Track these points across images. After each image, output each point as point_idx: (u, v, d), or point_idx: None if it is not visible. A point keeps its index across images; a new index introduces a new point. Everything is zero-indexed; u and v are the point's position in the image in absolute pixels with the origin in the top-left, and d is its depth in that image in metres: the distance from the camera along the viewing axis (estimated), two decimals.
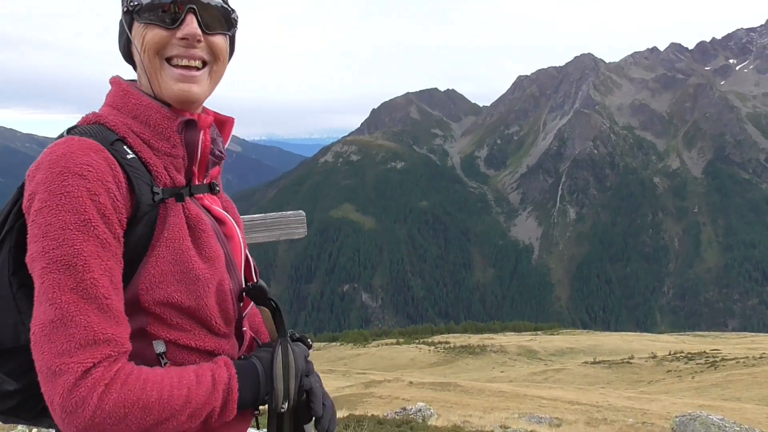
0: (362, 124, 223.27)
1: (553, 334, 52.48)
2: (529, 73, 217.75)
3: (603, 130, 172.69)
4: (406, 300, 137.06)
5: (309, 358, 1.13)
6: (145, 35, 1.09)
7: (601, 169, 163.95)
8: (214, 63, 1.15)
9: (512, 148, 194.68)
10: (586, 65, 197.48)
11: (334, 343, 52.46)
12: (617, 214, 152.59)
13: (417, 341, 47.85)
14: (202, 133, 1.12)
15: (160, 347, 0.99)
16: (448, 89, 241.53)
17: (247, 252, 1.21)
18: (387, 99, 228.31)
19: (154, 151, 1.04)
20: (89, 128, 1.01)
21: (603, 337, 46.34)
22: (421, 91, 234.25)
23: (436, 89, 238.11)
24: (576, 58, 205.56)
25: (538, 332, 57.04)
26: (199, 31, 1.10)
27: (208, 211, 1.13)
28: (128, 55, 1.18)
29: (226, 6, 1.19)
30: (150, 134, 1.05)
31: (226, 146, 1.23)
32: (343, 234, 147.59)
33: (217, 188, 1.20)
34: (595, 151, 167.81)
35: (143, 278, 0.96)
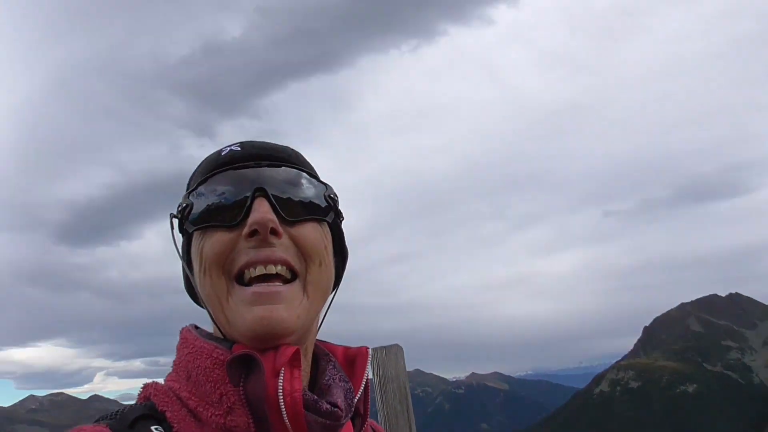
0: (636, 344, 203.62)
1: None
2: None
3: None
4: None
5: None
6: (203, 247, 0.80)
7: None
8: (308, 269, 0.80)
9: None
10: None
11: None
12: None
13: None
14: (281, 378, 0.74)
15: None
16: (730, 293, 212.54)
17: None
18: (658, 313, 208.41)
19: (203, 423, 0.72)
20: (127, 408, 0.75)
21: None
22: (698, 299, 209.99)
23: (715, 295, 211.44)
24: None
25: None
26: (271, 215, 0.79)
27: None
28: (196, 293, 0.85)
29: (314, 180, 0.83)
30: (198, 397, 0.73)
31: (358, 394, 0.81)
32: None
33: None
34: None
35: None
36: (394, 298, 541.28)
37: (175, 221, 0.85)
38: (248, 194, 0.79)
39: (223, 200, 0.79)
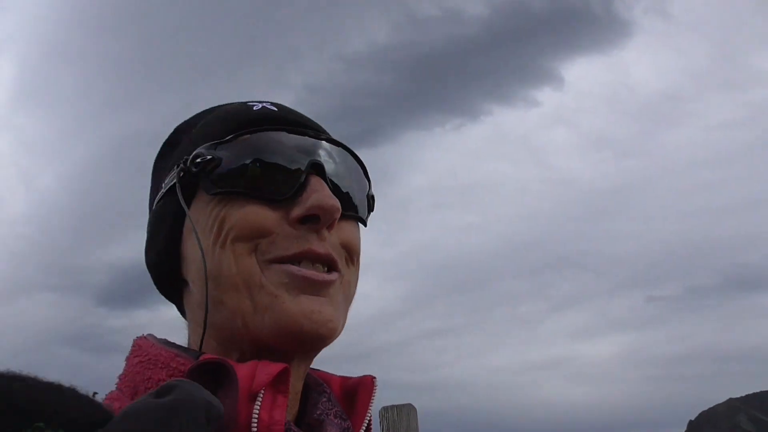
0: None
1: None
2: None
3: None
4: None
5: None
6: (227, 215, 0.62)
7: None
8: (347, 268, 0.67)
9: None
10: None
11: None
12: None
13: None
14: (259, 403, 0.55)
15: None
16: None
17: None
18: (705, 407, 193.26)
19: None
20: None
21: None
22: (748, 395, 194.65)
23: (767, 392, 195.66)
24: None
25: None
26: (336, 201, 0.63)
27: None
28: (167, 269, 0.69)
29: (363, 174, 0.72)
30: None
31: (362, 430, 0.65)
32: None
33: None
34: None
35: None
36: (426, 375, 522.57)
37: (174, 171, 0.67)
38: (302, 167, 0.63)
39: (269, 167, 0.63)
